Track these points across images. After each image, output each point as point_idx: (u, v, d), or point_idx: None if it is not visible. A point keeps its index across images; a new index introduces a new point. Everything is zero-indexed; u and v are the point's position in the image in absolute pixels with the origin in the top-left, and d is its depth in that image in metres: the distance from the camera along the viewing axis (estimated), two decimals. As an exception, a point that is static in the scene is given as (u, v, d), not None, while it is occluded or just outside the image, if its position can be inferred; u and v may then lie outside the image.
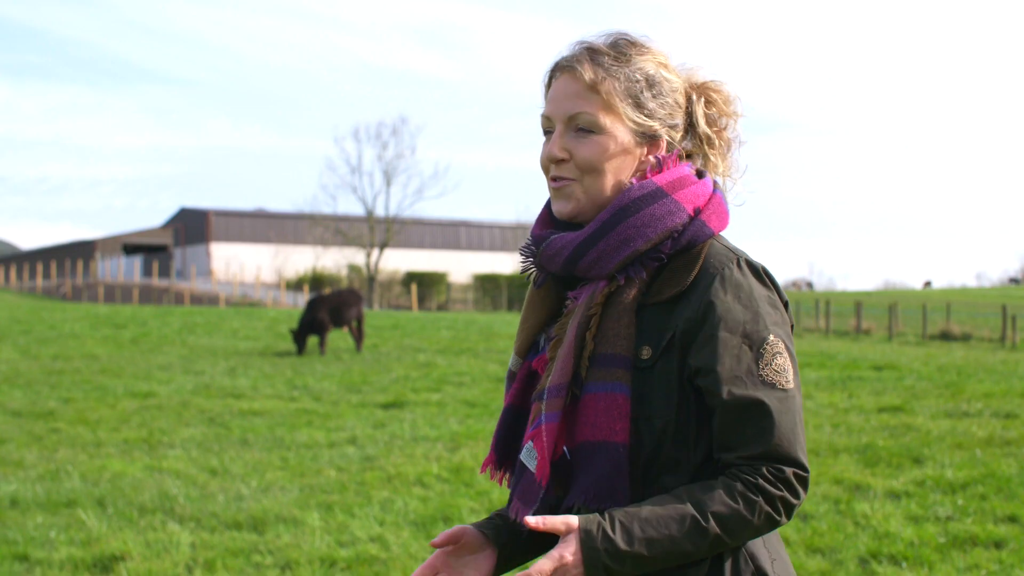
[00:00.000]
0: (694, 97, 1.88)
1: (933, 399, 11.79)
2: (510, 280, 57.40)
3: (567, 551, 1.65)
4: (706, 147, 1.90)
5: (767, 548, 1.81)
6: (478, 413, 11.12)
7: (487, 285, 58.92)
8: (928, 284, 73.99)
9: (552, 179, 1.84)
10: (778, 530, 1.83)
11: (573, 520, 1.67)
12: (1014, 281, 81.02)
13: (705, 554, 1.70)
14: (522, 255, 1.92)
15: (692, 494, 1.69)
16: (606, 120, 1.79)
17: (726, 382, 1.70)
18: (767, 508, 1.68)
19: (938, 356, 19.53)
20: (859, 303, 31.78)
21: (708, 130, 1.89)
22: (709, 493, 1.69)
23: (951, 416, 10.39)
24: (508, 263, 67.61)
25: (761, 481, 1.69)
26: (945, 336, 27.94)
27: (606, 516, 1.68)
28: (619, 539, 1.65)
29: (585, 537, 1.65)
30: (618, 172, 1.82)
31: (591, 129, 1.80)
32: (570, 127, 1.82)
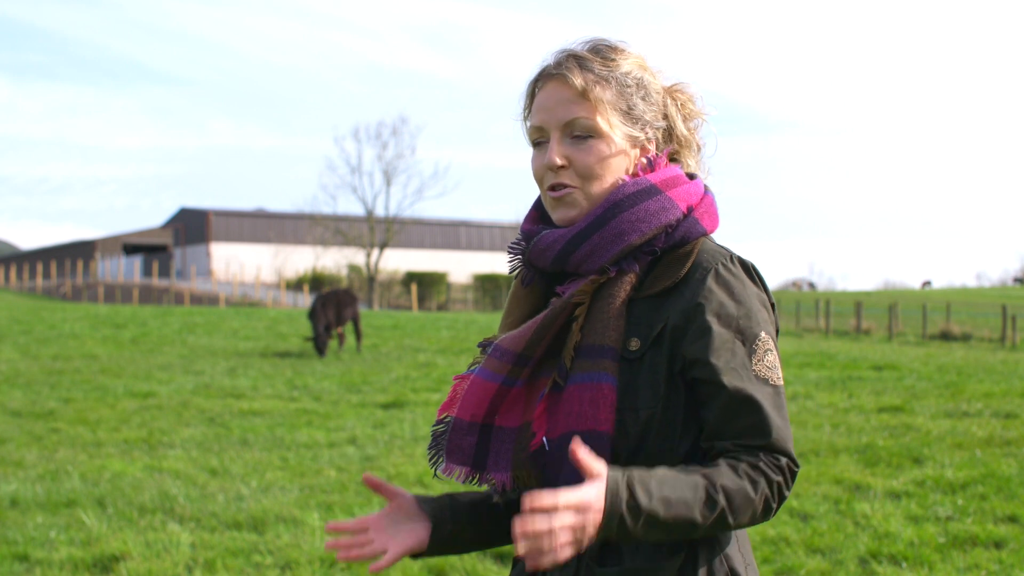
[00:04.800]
0: (668, 100, 1.89)
1: (933, 399, 11.79)
2: (510, 280, 57.20)
3: (591, 493, 1.59)
4: (684, 148, 1.91)
5: (742, 553, 1.81)
6: (478, 413, 11.11)
7: (487, 285, 58.91)
8: (927, 284, 73.91)
9: (551, 188, 1.83)
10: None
11: (604, 466, 1.63)
12: (1018, 281, 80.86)
13: (708, 530, 1.68)
14: (510, 251, 1.91)
15: (698, 468, 1.68)
16: (604, 124, 1.80)
17: (724, 373, 1.71)
18: (767, 491, 1.69)
19: (938, 356, 19.52)
20: (859, 303, 31.79)
21: (685, 131, 1.90)
22: (715, 468, 1.68)
23: (951, 416, 10.39)
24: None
25: (762, 464, 1.69)
26: (945, 336, 27.94)
27: (625, 471, 1.64)
28: (640, 493, 1.62)
29: (612, 484, 1.61)
30: (616, 174, 1.82)
31: (588, 134, 1.80)
32: (566, 134, 1.81)
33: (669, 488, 1.64)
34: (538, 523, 1.54)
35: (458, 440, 1.82)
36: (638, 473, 1.65)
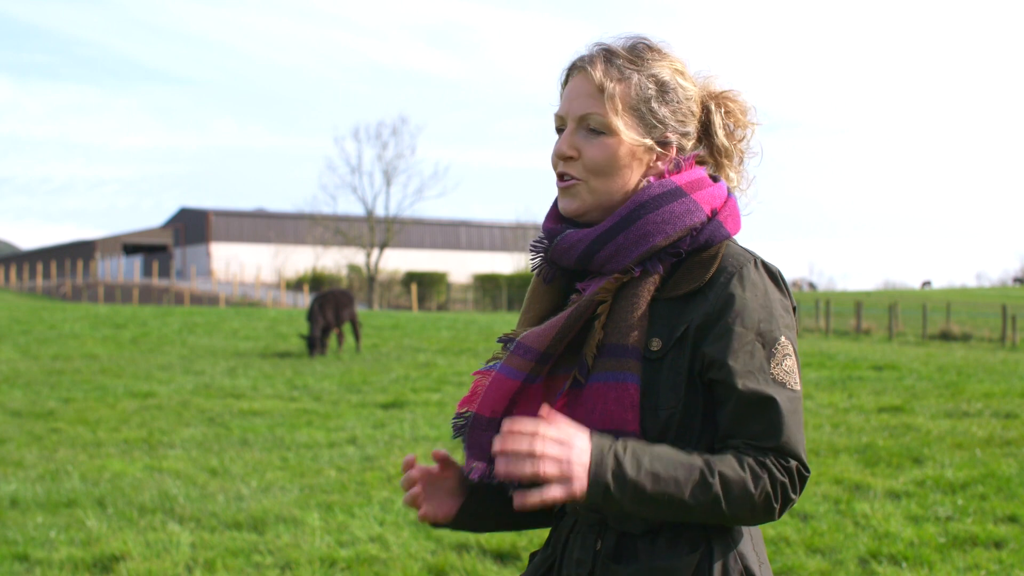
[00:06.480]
0: (712, 107, 1.89)
1: (933, 399, 11.79)
2: (510, 280, 57.39)
3: (573, 432, 1.64)
4: (723, 159, 1.91)
5: (756, 551, 1.83)
6: (478, 413, 11.10)
7: (487, 285, 58.90)
8: (927, 284, 73.90)
9: (559, 176, 1.85)
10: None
11: (584, 429, 1.66)
12: (1018, 281, 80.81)
13: (702, 515, 1.69)
14: (533, 249, 1.92)
15: (702, 453, 1.71)
16: (616, 122, 1.80)
17: (740, 376, 1.72)
18: (769, 488, 1.69)
19: (938, 356, 19.52)
20: (859, 303, 31.78)
21: (726, 142, 1.90)
22: (720, 456, 1.71)
23: (951, 416, 10.39)
24: (508, 263, 67.60)
25: (769, 463, 1.71)
26: (945, 336, 27.94)
27: (620, 441, 1.67)
28: (627, 463, 1.64)
29: (596, 450, 1.64)
30: (625, 175, 1.83)
31: (601, 130, 1.81)
32: (581, 126, 1.83)
33: (661, 464, 1.66)
34: (520, 444, 1.60)
35: (477, 436, 1.83)
36: (632, 444, 1.67)
